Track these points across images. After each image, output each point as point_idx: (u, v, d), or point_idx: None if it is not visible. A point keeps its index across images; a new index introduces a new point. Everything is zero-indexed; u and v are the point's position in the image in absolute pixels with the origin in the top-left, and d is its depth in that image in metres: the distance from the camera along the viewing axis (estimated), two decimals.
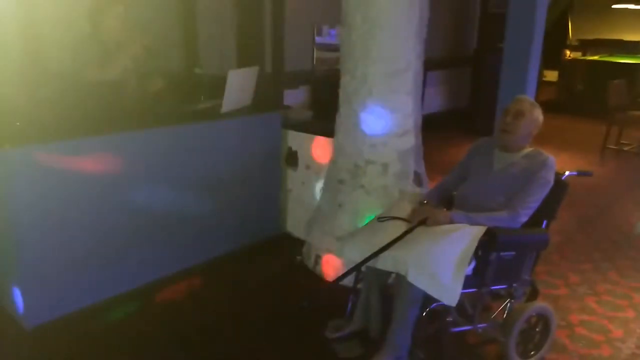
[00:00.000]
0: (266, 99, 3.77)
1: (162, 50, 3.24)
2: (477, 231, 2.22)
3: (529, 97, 2.51)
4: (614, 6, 8.75)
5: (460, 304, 2.17)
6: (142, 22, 3.23)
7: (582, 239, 3.99)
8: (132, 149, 2.85)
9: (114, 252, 2.87)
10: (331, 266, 3.20)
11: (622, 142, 6.53)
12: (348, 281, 2.50)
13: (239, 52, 4.50)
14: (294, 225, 3.84)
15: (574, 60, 9.73)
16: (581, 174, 2.58)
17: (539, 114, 2.43)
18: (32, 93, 3.70)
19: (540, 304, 2.56)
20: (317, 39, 6.20)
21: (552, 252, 3.68)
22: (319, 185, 3.49)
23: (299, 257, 3.48)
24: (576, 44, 10.85)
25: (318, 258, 3.29)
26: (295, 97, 5.77)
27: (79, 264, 2.74)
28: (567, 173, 2.46)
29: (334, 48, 6.11)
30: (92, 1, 3.10)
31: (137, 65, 3.24)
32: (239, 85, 3.29)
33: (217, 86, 3.28)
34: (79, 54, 3.06)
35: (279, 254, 3.59)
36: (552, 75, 10.08)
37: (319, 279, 3.25)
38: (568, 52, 10.31)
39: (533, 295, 2.62)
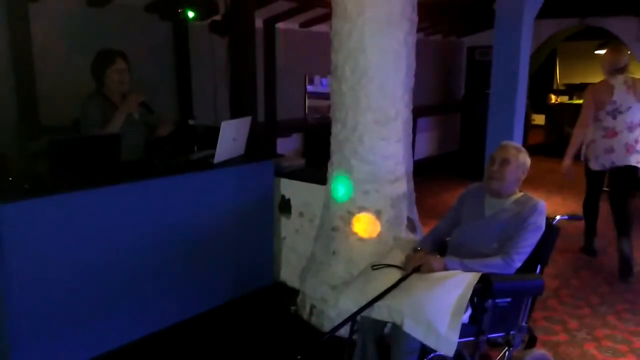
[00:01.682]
0: (259, 147, 3.81)
1: (157, 102, 3.29)
2: (472, 278, 2.21)
3: (513, 143, 2.55)
4: (596, 52, 9.03)
5: (458, 353, 2.13)
6: (136, 75, 3.29)
7: (578, 283, 3.96)
8: (125, 201, 2.84)
9: (107, 306, 2.81)
10: (326, 316, 3.15)
11: None
12: (343, 332, 2.46)
13: (231, 103, 4.58)
14: (288, 274, 3.80)
15: (561, 105, 9.95)
16: (572, 218, 2.60)
17: (525, 158, 2.46)
18: (24, 147, 3.74)
19: (539, 351, 2.51)
20: (309, 88, 6.33)
21: (549, 297, 3.64)
22: (312, 233, 3.47)
23: (293, 308, 3.42)
24: (563, 88, 11.13)
25: (313, 308, 3.24)
26: (288, 145, 5.84)
27: (72, 319, 2.68)
28: (558, 217, 2.47)
29: (326, 96, 6.23)
30: (95, 58, 3.17)
31: (143, 116, 3.30)
32: (232, 135, 3.33)
33: (210, 137, 3.32)
34: (87, 112, 3.12)
35: (273, 305, 3.53)
36: (540, 119, 10.28)
37: (314, 329, 3.19)
38: (554, 97, 10.56)
39: (531, 342, 2.57)
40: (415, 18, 3.06)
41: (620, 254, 4.01)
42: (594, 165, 4.06)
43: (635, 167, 3.92)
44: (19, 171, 3.22)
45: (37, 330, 2.57)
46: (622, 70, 3.93)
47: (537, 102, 9.35)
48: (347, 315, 2.30)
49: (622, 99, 3.87)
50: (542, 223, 2.34)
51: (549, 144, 9.12)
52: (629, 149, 3.89)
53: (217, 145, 3.19)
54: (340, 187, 3.09)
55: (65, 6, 4.20)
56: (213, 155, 3.23)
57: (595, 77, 11.50)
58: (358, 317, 2.32)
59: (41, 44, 4.05)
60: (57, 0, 4.12)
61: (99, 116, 3.11)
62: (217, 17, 4.92)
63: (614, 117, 3.89)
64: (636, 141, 3.89)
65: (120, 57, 3.20)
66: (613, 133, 3.91)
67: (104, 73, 3.17)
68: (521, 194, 2.47)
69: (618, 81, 3.90)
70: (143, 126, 3.35)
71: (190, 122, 3.60)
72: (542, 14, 3.46)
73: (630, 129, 3.88)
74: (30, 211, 2.48)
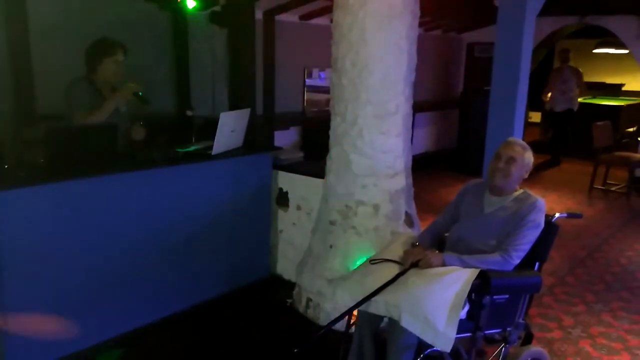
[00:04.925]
0: (257, 140, 3.79)
1: (155, 93, 3.23)
2: (470, 274, 2.20)
3: (519, 140, 2.52)
4: (595, 50, 9.02)
5: (454, 349, 2.13)
6: (134, 65, 3.26)
7: (574, 280, 3.97)
8: (121, 192, 2.82)
9: (101, 297, 2.80)
10: (322, 310, 3.14)
11: (608, 182, 6.61)
12: (340, 325, 2.45)
13: (230, 95, 4.55)
14: (285, 267, 3.79)
15: None
16: (571, 216, 2.59)
17: (529, 158, 2.45)
18: (20, 134, 3.70)
19: (535, 348, 2.52)
20: (308, 81, 6.30)
21: (545, 294, 3.65)
22: (309, 226, 3.46)
23: (289, 301, 3.41)
24: None
25: (309, 301, 3.23)
26: (286, 138, 5.81)
27: (67, 309, 2.67)
28: (557, 215, 2.47)
29: (324, 90, 6.21)
30: (94, 44, 3.12)
31: (130, 109, 3.25)
32: (230, 127, 3.31)
33: (209, 128, 3.29)
34: (71, 95, 3.06)
35: (269, 298, 3.52)
36: (537, 117, 10.26)
37: (310, 323, 3.18)
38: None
39: (527, 339, 2.58)
40: (418, 11, 3.04)
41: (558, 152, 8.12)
42: (557, 109, 7.75)
43: (572, 109, 7.68)
44: (14, 159, 3.18)
45: (32, 318, 2.55)
46: (567, 60, 7.84)
47: (534, 99, 9.34)
48: (344, 309, 2.29)
49: (566, 76, 7.65)
50: (542, 220, 2.34)
51: (545, 141, 9.13)
52: (570, 101, 7.65)
53: (216, 136, 3.16)
54: None
55: None
56: (211, 147, 3.21)
57: (594, 76, 11.46)
58: (355, 311, 2.32)
59: (38, 32, 4.00)
60: None
61: (86, 101, 3.05)
62: (217, 8, 4.88)
63: (563, 84, 7.65)
64: (574, 96, 7.64)
65: (121, 49, 3.15)
66: (563, 92, 7.66)
67: (101, 61, 3.10)
68: (521, 191, 2.46)
69: (565, 67, 7.80)
70: (128, 119, 3.29)
71: (188, 113, 3.57)
72: (541, 12, 3.45)
73: (571, 90, 7.64)
74: (26, 199, 2.46)
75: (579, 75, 7.71)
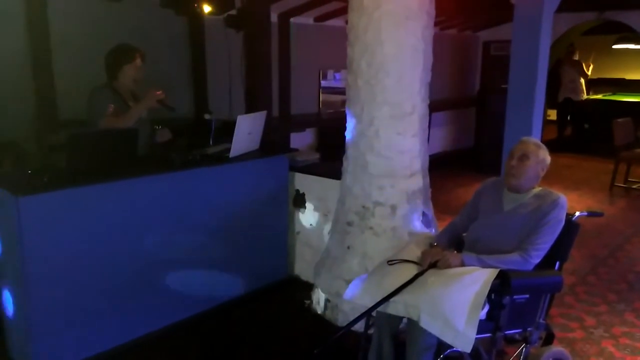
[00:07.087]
0: (274, 142, 3.82)
1: (173, 97, 3.27)
2: (490, 274, 2.19)
3: (533, 139, 2.51)
4: (614, 46, 8.88)
5: (474, 349, 2.12)
6: (152, 70, 3.30)
7: (595, 280, 3.92)
8: (140, 195, 2.86)
9: (122, 300, 2.84)
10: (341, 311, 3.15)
11: (630, 180, 6.50)
12: (359, 327, 2.46)
13: (246, 97, 4.59)
14: (302, 268, 3.80)
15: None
16: (592, 214, 2.56)
17: (545, 155, 2.43)
18: (43, 140, 3.78)
19: (557, 348, 2.49)
20: (323, 83, 6.31)
21: (566, 293, 3.60)
22: (327, 228, 3.47)
23: (307, 302, 3.42)
24: None
25: (327, 302, 3.24)
26: (302, 140, 5.83)
27: (90, 311, 2.72)
28: (577, 214, 2.44)
29: (340, 91, 6.22)
30: (112, 51, 3.17)
31: (150, 114, 3.30)
32: (247, 129, 3.33)
33: (226, 131, 3.32)
34: (94, 103, 3.11)
35: (287, 299, 3.54)
36: (555, 114, 10.14)
37: (329, 324, 3.19)
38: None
39: (549, 339, 2.55)
40: (433, 12, 3.03)
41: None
42: (560, 99, 8.85)
43: (571, 98, 8.75)
44: (37, 164, 3.25)
45: (56, 321, 2.61)
46: (571, 55, 8.70)
47: (552, 97, 9.25)
48: (363, 310, 2.29)
49: (568, 69, 8.62)
50: (563, 217, 2.32)
51: (563, 139, 9.02)
52: (573, 90, 8.69)
53: (233, 139, 3.19)
54: None
55: (83, 1, 4.23)
56: (229, 150, 3.24)
57: (614, 72, 11.26)
58: (374, 312, 2.32)
59: (59, 39, 4.09)
60: None
61: (106, 109, 3.10)
62: (233, 12, 4.93)
63: (565, 76, 8.66)
64: (575, 87, 8.68)
65: (139, 55, 3.19)
66: (566, 84, 8.73)
67: (121, 68, 3.15)
68: (540, 188, 2.44)
69: (568, 62, 8.66)
70: (149, 124, 3.34)
71: (206, 116, 3.60)
72: (559, 8, 3.42)
73: (572, 82, 8.66)
74: (49, 204, 2.51)
75: (580, 65, 8.78)
